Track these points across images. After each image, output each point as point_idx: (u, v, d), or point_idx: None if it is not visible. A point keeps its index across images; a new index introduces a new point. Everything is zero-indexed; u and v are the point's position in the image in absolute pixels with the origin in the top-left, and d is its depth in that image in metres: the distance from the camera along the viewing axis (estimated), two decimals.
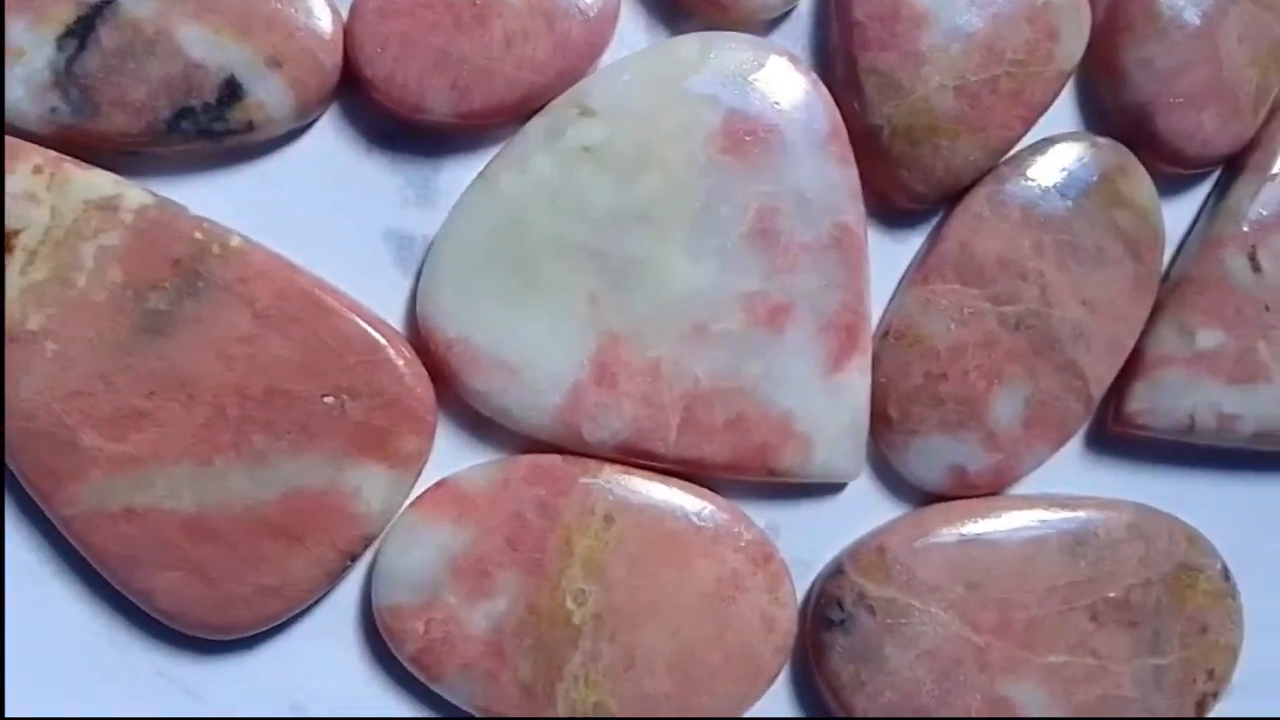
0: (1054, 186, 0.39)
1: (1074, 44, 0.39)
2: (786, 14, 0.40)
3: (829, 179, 0.37)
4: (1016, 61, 0.38)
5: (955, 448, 0.38)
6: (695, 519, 0.36)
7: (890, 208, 0.40)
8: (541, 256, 0.36)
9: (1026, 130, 0.39)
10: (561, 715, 0.35)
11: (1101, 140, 0.39)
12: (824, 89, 0.38)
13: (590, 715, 0.35)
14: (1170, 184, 0.41)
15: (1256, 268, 0.39)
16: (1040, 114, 0.39)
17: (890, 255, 0.40)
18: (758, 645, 0.36)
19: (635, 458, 0.37)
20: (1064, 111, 0.41)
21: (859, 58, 0.38)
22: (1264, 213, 0.39)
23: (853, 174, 0.38)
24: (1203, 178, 0.41)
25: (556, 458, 0.36)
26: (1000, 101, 0.38)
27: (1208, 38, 0.39)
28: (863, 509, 0.39)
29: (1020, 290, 0.38)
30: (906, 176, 0.38)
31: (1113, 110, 0.40)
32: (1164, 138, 0.39)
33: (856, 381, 0.37)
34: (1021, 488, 0.39)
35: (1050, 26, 0.38)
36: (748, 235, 0.37)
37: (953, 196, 0.39)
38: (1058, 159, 0.39)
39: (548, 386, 0.36)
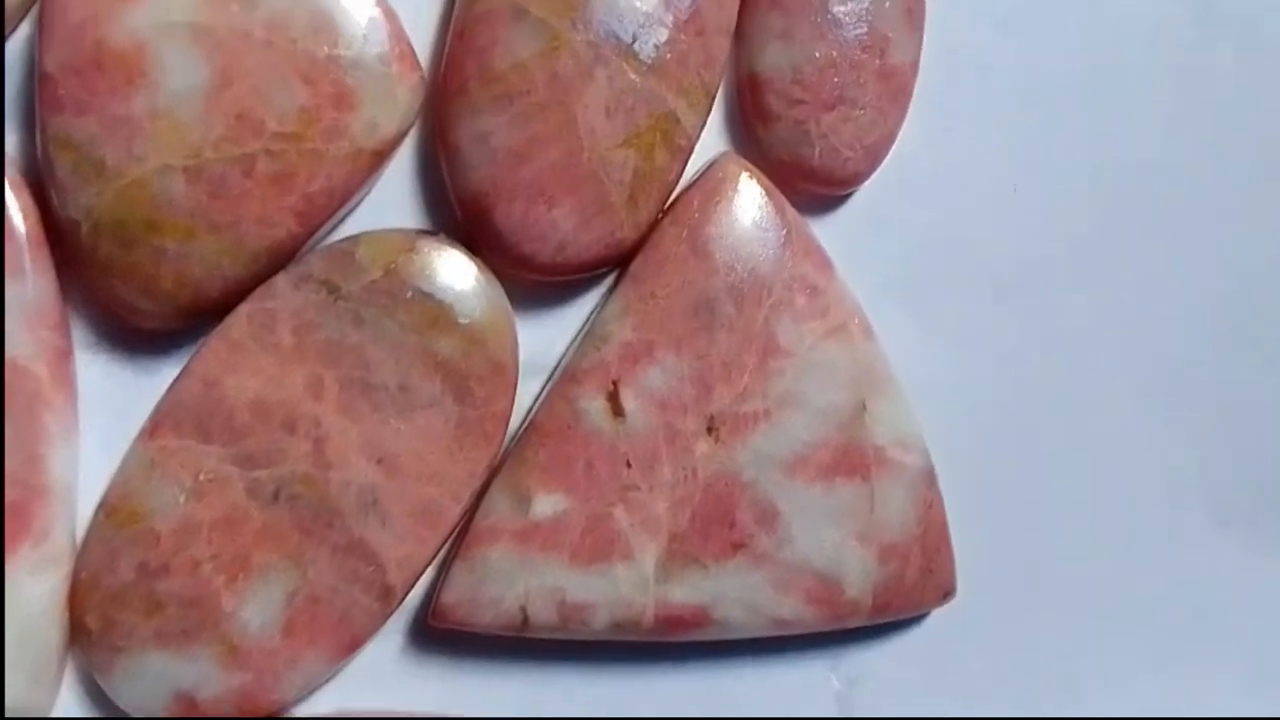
0: (345, 304, 0.26)
1: (385, 114, 0.27)
2: None
3: None
4: (284, 135, 0.26)
5: (181, 668, 0.25)
6: None
7: (142, 331, 0.27)
8: None
9: (310, 230, 0.27)
10: None
11: (424, 240, 0.27)
12: (9, 171, 0.25)
13: None
14: (557, 295, 0.29)
15: (618, 411, 0.27)
16: (332, 208, 0.27)
17: (147, 394, 0.27)
18: None
19: None
20: (393, 202, 0.28)
21: (49, 126, 0.25)
22: (633, 337, 0.28)
23: (39, 286, 0.25)
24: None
25: None
26: (259, 189, 0.26)
27: (561, 110, 0.27)
28: None
29: (285, 447, 0.26)
30: (121, 290, 0.26)
31: (453, 200, 0.28)
32: (507, 238, 0.27)
33: (24, 582, 0.24)
34: (306, 709, 0.27)
35: (342, 90, 0.26)
36: None
37: (217, 313, 0.26)
38: (354, 267, 0.27)
39: None
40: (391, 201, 0.29)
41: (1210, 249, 0.33)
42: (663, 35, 0.28)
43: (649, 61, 0.28)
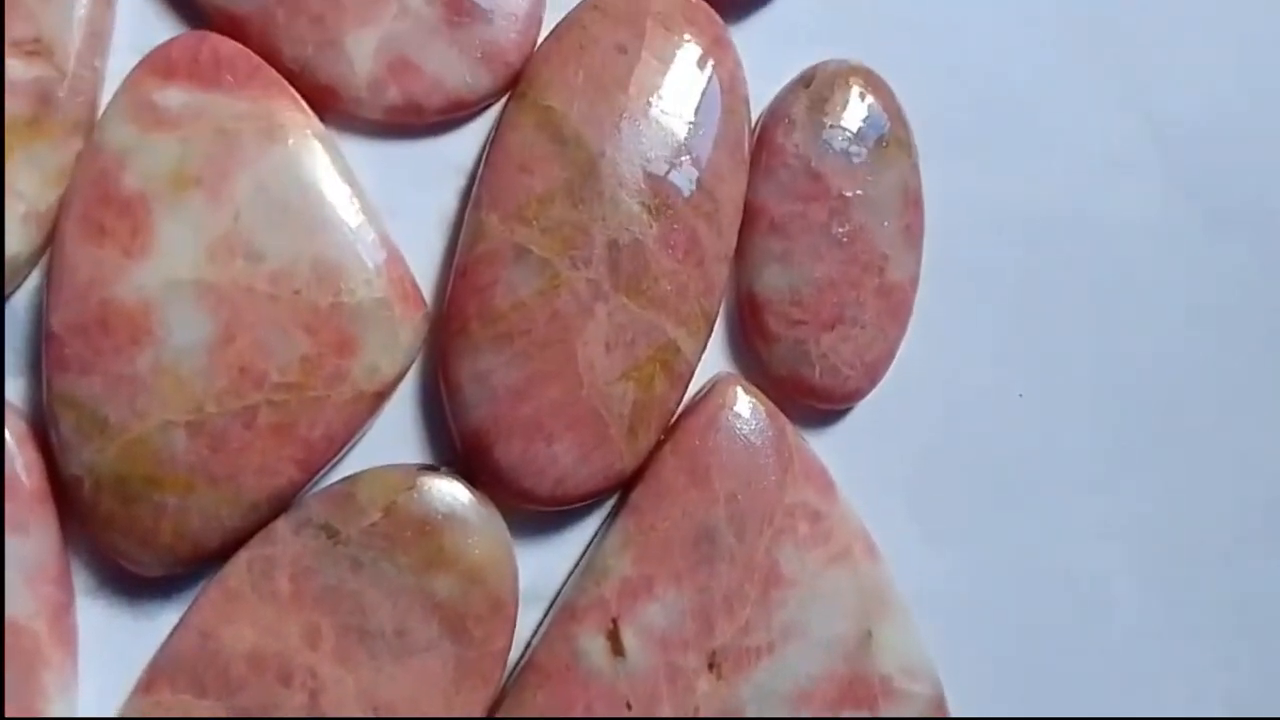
0: (344, 549, 0.26)
1: (387, 356, 0.27)
2: None
3: None
4: (285, 385, 0.26)
5: None
6: None
7: (142, 578, 0.26)
8: None
9: (310, 475, 0.27)
10: None
11: (424, 477, 0.27)
12: (15, 423, 0.25)
13: None
14: (557, 520, 0.29)
15: (618, 650, 0.27)
16: (333, 451, 0.27)
17: (147, 639, 0.26)
18: None
19: None
20: (394, 432, 0.28)
21: (54, 384, 0.25)
22: (633, 572, 0.27)
23: (40, 542, 0.25)
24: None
25: None
26: (260, 440, 0.26)
27: (561, 346, 0.27)
28: None
29: (280, 700, 0.25)
30: (121, 543, 0.26)
31: (454, 434, 0.28)
32: (507, 473, 0.27)
33: None
34: None
35: (344, 336, 0.26)
36: None
37: (217, 560, 0.26)
38: (353, 508, 0.27)
39: None
40: (393, 432, 0.29)
41: (1223, 446, 0.33)
42: (663, 269, 0.28)
43: (649, 294, 0.28)
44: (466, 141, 0.30)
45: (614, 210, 0.28)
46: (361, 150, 0.29)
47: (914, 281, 0.32)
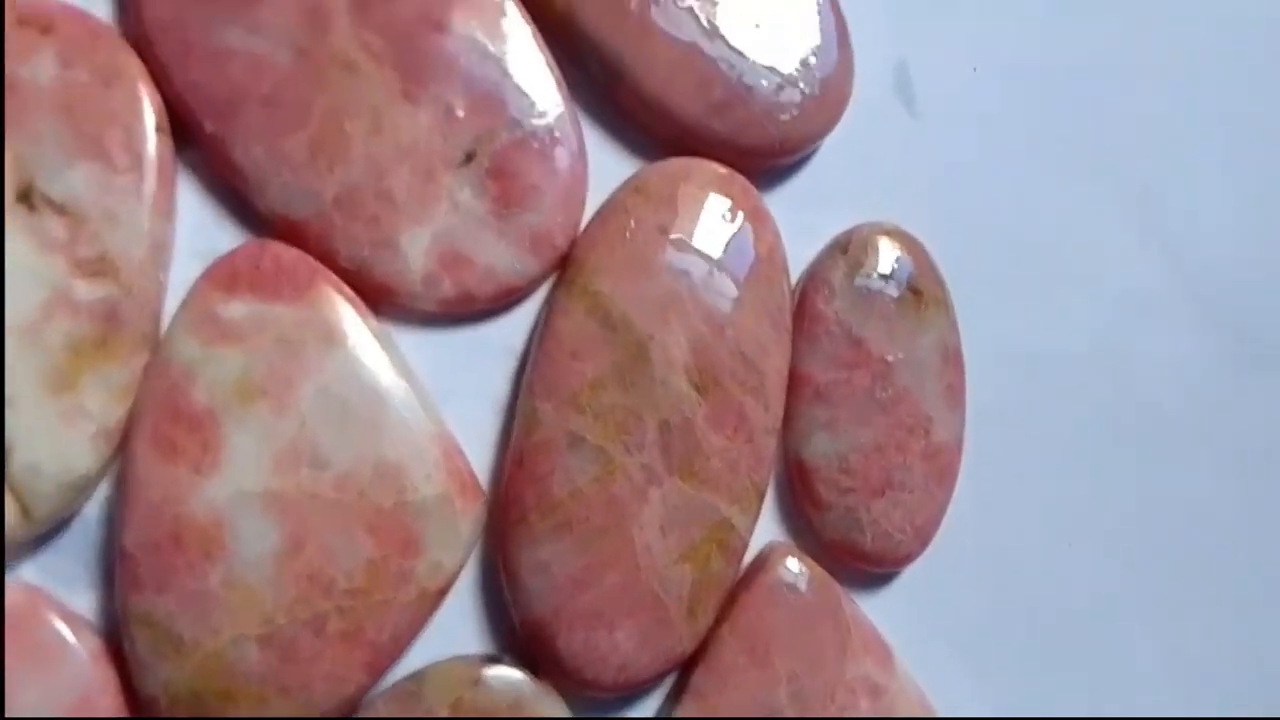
0: None
1: (449, 552, 0.27)
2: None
3: None
4: (352, 592, 0.26)
5: None
6: None
7: None
8: None
9: (376, 677, 0.27)
10: None
11: (488, 670, 0.27)
12: (90, 640, 0.25)
13: None
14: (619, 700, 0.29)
15: None
16: (399, 651, 0.27)
17: None
18: None
19: None
20: (454, 618, 0.29)
21: (129, 604, 0.25)
22: None
23: None
24: None
25: None
26: (330, 648, 0.26)
27: (619, 533, 0.28)
28: None
29: None
30: None
31: (515, 623, 0.28)
32: (569, 663, 0.28)
33: None
34: None
35: (408, 536, 0.27)
36: None
37: None
38: (420, 708, 0.27)
39: None
40: (451, 619, 0.29)
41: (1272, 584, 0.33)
42: (714, 447, 0.29)
43: (701, 474, 0.29)
44: (517, 323, 0.30)
45: (664, 392, 0.29)
46: (415, 338, 0.30)
47: (959, 441, 0.32)
